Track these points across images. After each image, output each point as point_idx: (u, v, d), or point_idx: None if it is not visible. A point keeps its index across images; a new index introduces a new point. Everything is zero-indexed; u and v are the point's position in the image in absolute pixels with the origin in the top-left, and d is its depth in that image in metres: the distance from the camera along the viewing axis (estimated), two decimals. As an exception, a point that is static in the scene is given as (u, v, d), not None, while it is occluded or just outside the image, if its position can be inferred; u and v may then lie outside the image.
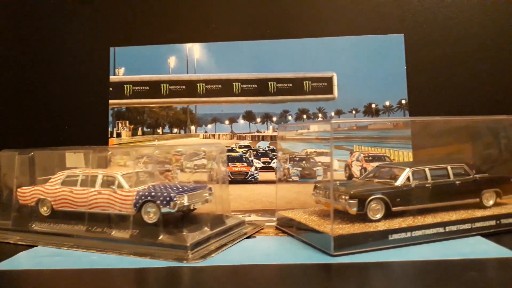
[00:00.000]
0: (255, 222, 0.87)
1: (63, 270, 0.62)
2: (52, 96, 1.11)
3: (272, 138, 1.05)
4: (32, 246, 0.75)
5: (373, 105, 1.04)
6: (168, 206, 0.72)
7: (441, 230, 0.70)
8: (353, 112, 1.04)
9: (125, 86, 1.06)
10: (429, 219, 0.72)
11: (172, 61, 1.06)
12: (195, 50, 1.06)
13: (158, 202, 0.72)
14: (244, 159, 1.03)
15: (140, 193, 0.74)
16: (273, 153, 1.04)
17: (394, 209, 0.73)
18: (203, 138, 1.05)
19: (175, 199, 0.72)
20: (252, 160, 1.03)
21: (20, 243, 0.77)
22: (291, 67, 1.05)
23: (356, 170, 1.02)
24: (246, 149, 1.04)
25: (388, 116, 1.04)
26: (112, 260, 0.65)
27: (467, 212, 0.76)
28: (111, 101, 1.06)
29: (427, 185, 0.76)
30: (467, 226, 0.72)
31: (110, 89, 1.06)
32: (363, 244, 0.65)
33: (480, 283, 0.53)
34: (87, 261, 0.65)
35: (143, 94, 1.06)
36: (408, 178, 0.75)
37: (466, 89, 1.05)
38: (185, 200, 0.73)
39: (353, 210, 0.70)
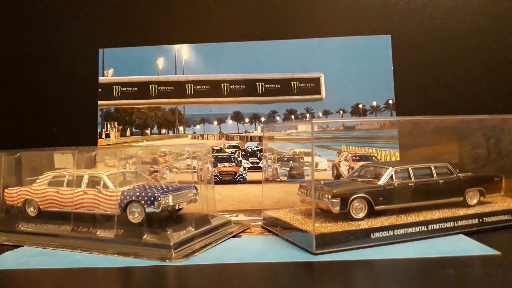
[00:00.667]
0: (242, 221, 0.88)
1: (47, 269, 0.63)
2: (41, 96, 1.12)
3: (261, 138, 1.05)
4: (18, 246, 0.75)
5: (360, 106, 1.04)
6: (152, 206, 0.72)
7: (423, 228, 0.71)
8: (341, 112, 1.05)
9: (114, 87, 1.06)
10: (412, 217, 0.73)
11: (160, 62, 1.07)
12: (184, 51, 1.07)
13: (143, 202, 0.72)
14: (232, 159, 1.04)
15: (125, 193, 0.74)
16: (261, 153, 1.04)
17: (377, 208, 0.73)
18: (192, 138, 1.05)
19: (159, 199, 0.72)
20: (240, 160, 1.04)
21: (6, 243, 0.77)
22: (279, 68, 1.06)
23: (344, 170, 1.02)
24: (234, 150, 1.05)
25: (375, 117, 1.05)
26: (96, 259, 0.66)
27: (451, 211, 0.76)
28: (99, 102, 1.06)
29: (410, 184, 0.76)
30: (449, 224, 0.72)
31: (99, 90, 1.06)
32: (345, 242, 0.66)
33: (459, 281, 0.54)
34: (71, 261, 0.66)
35: (132, 95, 1.06)
36: (391, 177, 0.75)
37: (452, 90, 1.06)
38: (169, 200, 0.74)
39: (336, 209, 0.71)
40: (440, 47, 1.07)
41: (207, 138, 1.05)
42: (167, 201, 0.73)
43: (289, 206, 0.89)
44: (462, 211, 0.76)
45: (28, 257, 0.68)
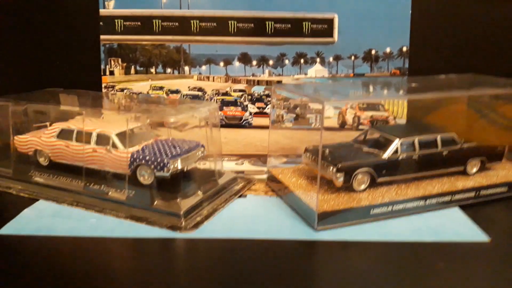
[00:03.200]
0: (246, 172, 0.91)
1: (62, 237, 0.67)
2: (40, 29, 1.07)
3: (268, 83, 1.03)
4: (33, 199, 0.79)
5: (373, 52, 1.01)
6: (162, 171, 0.74)
7: (421, 203, 0.74)
8: (352, 58, 1.01)
9: (116, 20, 1.01)
10: (411, 189, 0.76)
11: (164, -6, 1.00)
12: (189, -17, 0.99)
13: (152, 166, 0.74)
14: (238, 103, 1.03)
15: (135, 155, 0.76)
16: (268, 99, 1.03)
17: (379, 180, 0.76)
18: (197, 80, 1.03)
19: (168, 164, 0.74)
20: (246, 105, 1.03)
21: (22, 194, 0.81)
22: (290, 6, 0.99)
23: (349, 117, 1.03)
24: (241, 94, 1.03)
25: (387, 63, 1.02)
26: (110, 225, 0.70)
27: (450, 181, 0.79)
28: (102, 37, 1.02)
29: (414, 157, 0.77)
30: (447, 198, 0.76)
31: (100, 23, 1.01)
32: (345, 218, 0.69)
33: (443, 271, 0.59)
34: (87, 227, 0.70)
35: (135, 30, 1.01)
36: (396, 150, 0.76)
37: (470, 42, 1.01)
38: (178, 164, 0.76)
39: (339, 182, 0.73)
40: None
41: (213, 80, 1.03)
42: (176, 165, 0.75)
43: (293, 152, 0.92)
44: (460, 183, 0.78)
45: (46, 218, 0.72)
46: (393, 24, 0.99)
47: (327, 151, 0.78)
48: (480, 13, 1.01)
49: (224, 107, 1.02)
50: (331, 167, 0.74)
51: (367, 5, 0.98)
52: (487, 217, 0.73)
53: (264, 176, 0.89)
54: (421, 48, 1.00)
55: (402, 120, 1.02)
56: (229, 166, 0.96)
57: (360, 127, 1.02)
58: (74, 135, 0.81)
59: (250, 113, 1.03)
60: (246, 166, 0.96)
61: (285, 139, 0.97)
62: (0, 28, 1.07)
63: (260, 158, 1.00)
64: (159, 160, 0.74)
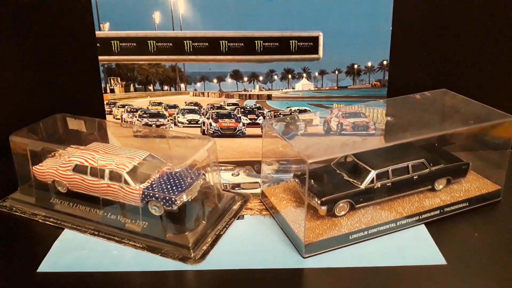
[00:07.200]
0: (242, 185, 1.03)
1: (91, 273, 0.79)
2: (42, 51, 1.11)
3: (259, 96, 1.11)
4: (58, 227, 0.91)
5: (355, 66, 1.08)
6: (170, 208, 0.86)
7: (392, 225, 0.87)
8: (336, 72, 1.09)
9: (112, 42, 1.06)
10: (384, 212, 0.88)
11: (157, 16, 1.04)
12: (180, 5, 1.03)
13: (162, 203, 0.86)
14: (232, 115, 1.12)
15: (145, 192, 0.87)
16: (259, 111, 1.12)
17: (357, 206, 0.88)
18: (193, 95, 1.11)
19: (176, 201, 0.85)
20: (240, 117, 1.12)
21: (47, 222, 0.93)
22: (277, 25, 1.05)
23: (334, 125, 1.13)
24: (234, 107, 1.12)
25: (368, 76, 1.09)
26: (130, 258, 0.83)
27: (418, 200, 0.92)
28: (100, 57, 1.07)
29: (388, 184, 0.89)
30: (415, 218, 0.89)
31: (98, 44, 1.06)
32: (329, 246, 0.83)
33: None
34: (110, 260, 0.82)
35: (131, 51, 1.07)
36: (372, 180, 0.88)
37: (444, 56, 1.08)
38: (184, 198, 0.87)
39: (323, 211, 0.86)
40: (441, 8, 1.05)
41: (208, 96, 1.11)
42: (182, 199, 0.86)
43: (283, 156, 1.03)
44: (427, 201, 0.91)
45: (74, 252, 0.84)
46: (374, 40, 1.05)
47: (312, 182, 0.89)
48: (453, 28, 1.07)
49: (219, 120, 1.11)
50: (316, 199, 0.86)
51: (350, 23, 1.04)
52: (448, 234, 0.87)
53: (258, 190, 1.01)
54: (399, 61, 1.08)
55: (381, 126, 1.12)
56: (225, 177, 1.07)
57: (343, 132, 1.12)
58: (89, 171, 0.91)
59: (243, 124, 1.12)
60: (242, 177, 1.07)
61: (276, 146, 1.07)
62: (6, 52, 1.11)
63: (254, 166, 1.11)
64: (167, 197, 0.85)
